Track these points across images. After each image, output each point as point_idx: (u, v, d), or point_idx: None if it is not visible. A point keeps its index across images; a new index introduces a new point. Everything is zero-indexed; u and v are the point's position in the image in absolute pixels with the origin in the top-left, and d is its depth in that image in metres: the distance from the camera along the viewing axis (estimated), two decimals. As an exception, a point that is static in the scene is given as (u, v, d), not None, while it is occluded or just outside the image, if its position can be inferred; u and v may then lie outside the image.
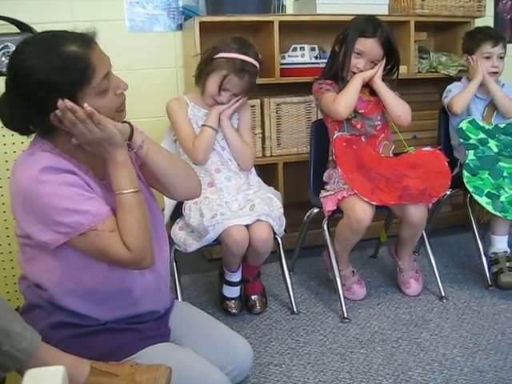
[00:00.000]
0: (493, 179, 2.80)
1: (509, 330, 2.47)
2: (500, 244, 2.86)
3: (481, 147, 2.88)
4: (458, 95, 2.97)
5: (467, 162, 2.84)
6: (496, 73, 3.00)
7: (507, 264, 2.79)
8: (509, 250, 2.85)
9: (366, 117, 2.72)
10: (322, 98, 2.70)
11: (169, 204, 2.57)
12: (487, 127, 2.92)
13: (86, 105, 1.42)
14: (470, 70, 3.05)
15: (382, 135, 2.75)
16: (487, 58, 2.98)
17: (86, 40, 1.48)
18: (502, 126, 2.95)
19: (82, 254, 1.49)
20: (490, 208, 2.73)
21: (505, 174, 2.81)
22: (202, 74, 2.52)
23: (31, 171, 1.44)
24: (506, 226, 2.83)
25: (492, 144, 2.90)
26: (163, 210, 2.53)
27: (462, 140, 2.90)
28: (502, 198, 2.74)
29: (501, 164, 2.85)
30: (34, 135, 1.57)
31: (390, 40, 2.65)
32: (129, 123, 1.57)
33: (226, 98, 2.50)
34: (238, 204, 2.50)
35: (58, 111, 1.41)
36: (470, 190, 2.76)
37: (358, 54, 2.65)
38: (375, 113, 2.74)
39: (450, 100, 2.97)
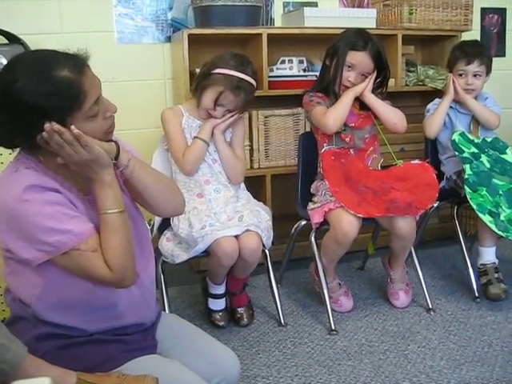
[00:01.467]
0: (491, 196, 2.77)
1: (495, 341, 2.48)
2: (488, 255, 2.85)
3: (475, 161, 2.87)
4: (429, 118, 3.00)
5: (466, 177, 2.80)
6: (472, 90, 2.99)
7: (495, 275, 2.79)
8: (497, 261, 2.85)
9: (355, 130, 2.73)
10: (312, 110, 2.71)
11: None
12: (476, 141, 2.93)
13: (72, 127, 1.40)
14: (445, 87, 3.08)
15: (371, 148, 2.77)
16: (461, 75, 2.99)
17: (79, 64, 1.46)
18: (489, 140, 2.96)
19: (65, 270, 1.48)
20: (493, 227, 2.68)
21: (500, 191, 2.80)
22: (198, 87, 2.53)
23: (15, 189, 1.43)
24: (494, 237, 2.82)
25: (484, 159, 2.89)
26: (151, 220, 2.53)
27: (456, 153, 2.89)
28: (502, 217, 2.72)
29: (495, 181, 2.83)
30: (17, 149, 1.56)
31: (380, 53, 2.67)
32: (115, 142, 1.56)
33: (220, 113, 2.51)
34: (226, 215, 2.50)
35: (44, 133, 1.40)
36: (475, 207, 2.71)
37: (349, 67, 2.67)
38: (365, 126, 2.75)
39: (423, 123, 3.00)
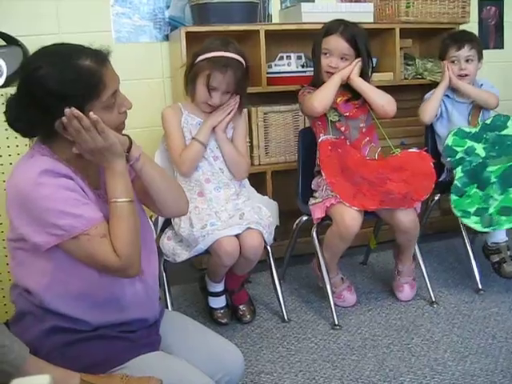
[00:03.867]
0: (481, 191, 2.79)
1: (499, 333, 2.48)
2: (500, 234, 2.87)
3: (467, 158, 2.87)
4: (425, 104, 3.02)
5: (455, 182, 2.83)
6: (466, 75, 3.01)
7: (509, 253, 2.82)
8: (507, 239, 2.87)
9: (350, 120, 2.74)
10: (302, 100, 2.73)
11: None
12: (474, 131, 2.93)
13: (91, 113, 1.45)
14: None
15: (367, 138, 2.77)
16: (453, 61, 3.02)
17: (101, 57, 1.53)
18: (488, 122, 2.95)
19: (72, 257, 1.50)
20: (478, 227, 2.74)
21: (492, 179, 2.81)
22: (188, 81, 2.54)
23: (30, 173, 1.46)
24: None
25: (479, 149, 2.89)
26: (152, 217, 2.53)
27: (449, 158, 2.91)
28: (491, 210, 2.74)
29: (488, 170, 2.84)
30: (34, 139, 1.61)
31: (355, 36, 2.67)
32: (128, 136, 1.61)
33: (217, 98, 2.49)
34: (227, 214, 2.50)
35: (64, 118, 1.44)
36: (458, 214, 2.77)
37: (326, 53, 2.70)
38: (360, 115, 2.76)
39: (419, 110, 3.01)
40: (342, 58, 2.68)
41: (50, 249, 1.48)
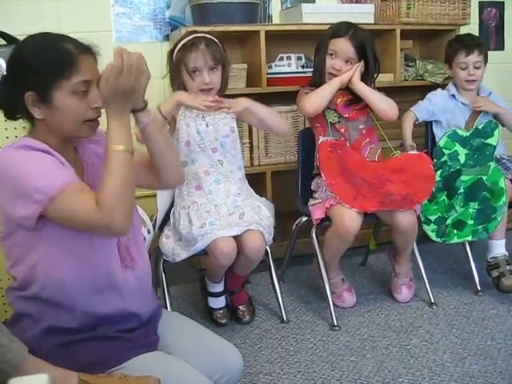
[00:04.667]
0: (448, 199, 2.86)
1: (498, 335, 2.48)
2: (499, 248, 2.86)
3: (449, 163, 2.89)
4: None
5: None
6: (474, 81, 3.02)
7: (507, 267, 2.80)
8: (507, 254, 2.86)
9: (350, 121, 2.74)
10: (299, 100, 2.75)
11: (161, 208, 2.57)
12: (465, 135, 2.93)
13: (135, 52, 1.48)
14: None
15: (367, 140, 2.77)
16: (462, 68, 3.02)
17: (85, 47, 1.57)
18: (481, 127, 2.95)
19: (62, 234, 1.50)
20: (433, 236, 2.89)
21: (461, 189, 2.86)
22: (173, 79, 2.55)
23: (7, 152, 1.51)
24: (503, 230, 2.85)
25: (461, 155, 2.90)
26: (153, 216, 2.52)
27: (435, 160, 2.91)
28: (449, 221, 2.84)
29: (461, 179, 2.87)
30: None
31: (363, 41, 2.67)
32: (145, 101, 1.63)
33: (206, 77, 2.46)
34: (226, 208, 2.49)
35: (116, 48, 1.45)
36: (422, 220, 2.86)
37: (332, 54, 2.69)
38: (359, 117, 2.76)
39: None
40: (346, 62, 2.68)
41: (39, 226, 1.48)
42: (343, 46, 2.66)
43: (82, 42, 1.58)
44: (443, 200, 2.85)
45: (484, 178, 2.86)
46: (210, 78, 2.47)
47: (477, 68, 3.01)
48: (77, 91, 1.53)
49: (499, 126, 2.96)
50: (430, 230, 2.85)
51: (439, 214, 2.84)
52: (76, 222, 1.47)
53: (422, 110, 3.08)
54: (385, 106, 2.69)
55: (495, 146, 2.91)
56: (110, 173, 1.46)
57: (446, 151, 2.91)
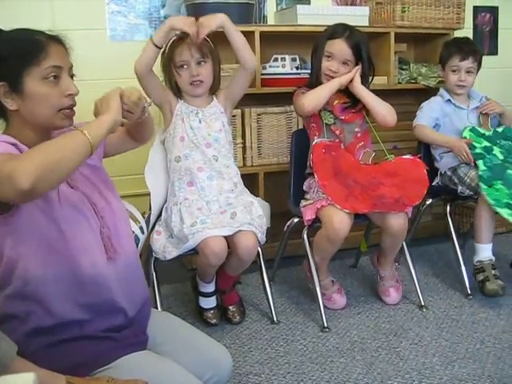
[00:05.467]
0: (507, 189, 2.77)
1: (487, 338, 2.48)
2: (485, 252, 2.84)
3: (487, 156, 2.89)
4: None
5: (480, 173, 2.81)
6: (464, 86, 3.04)
7: (493, 272, 2.79)
8: (493, 258, 2.84)
9: (345, 123, 2.74)
10: (296, 99, 2.75)
11: (155, 207, 2.57)
12: (487, 133, 2.96)
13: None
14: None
15: (361, 143, 2.77)
16: (454, 71, 3.03)
17: (55, 37, 1.58)
18: (500, 130, 2.98)
19: (33, 227, 1.49)
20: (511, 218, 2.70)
21: None
22: (166, 79, 2.57)
23: None
24: (491, 234, 2.84)
25: (496, 151, 2.92)
26: (145, 213, 2.51)
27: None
28: None
29: (509, 171, 2.84)
30: None
31: (359, 43, 2.67)
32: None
33: (194, 69, 2.47)
34: (218, 205, 2.49)
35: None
36: (492, 202, 2.71)
37: (329, 56, 2.69)
38: (355, 120, 2.76)
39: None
40: (343, 63, 2.69)
41: (8, 221, 1.47)
42: (340, 47, 2.67)
43: (52, 33, 1.59)
44: (502, 188, 2.76)
45: None
46: (197, 71, 2.48)
47: (468, 74, 3.02)
48: (47, 77, 1.53)
49: None
50: (506, 214, 2.69)
51: (507, 200, 2.72)
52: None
53: (427, 118, 3.06)
54: (384, 111, 2.69)
55: None
56: (49, 142, 1.44)
57: (477, 144, 2.90)
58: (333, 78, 2.69)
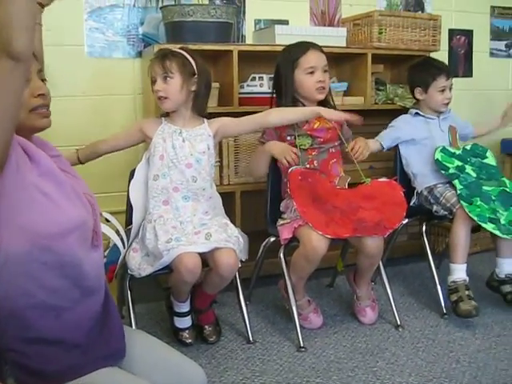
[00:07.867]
0: (486, 204, 2.82)
1: (463, 357, 2.49)
2: (459, 273, 2.84)
3: (461, 175, 2.93)
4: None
5: (459, 192, 2.86)
6: (448, 103, 3.15)
7: (466, 292, 2.78)
8: (467, 279, 2.84)
9: (324, 144, 2.78)
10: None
11: (136, 224, 2.55)
12: (457, 152, 3.01)
13: None
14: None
15: (334, 160, 2.81)
16: (442, 91, 3.08)
17: None
18: (468, 147, 3.04)
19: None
20: (498, 232, 2.75)
21: (492, 197, 2.87)
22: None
23: None
24: (466, 254, 2.84)
25: (469, 169, 2.97)
26: (129, 230, 2.48)
27: (443, 172, 2.95)
28: (502, 221, 2.78)
29: (485, 188, 2.90)
30: None
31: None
32: None
33: (158, 84, 2.48)
34: (192, 226, 2.47)
35: None
36: (475, 218, 2.75)
37: (312, 72, 2.74)
38: (333, 138, 2.80)
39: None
40: (324, 71, 2.73)
41: None
42: (317, 57, 2.75)
43: None
44: (481, 204, 2.81)
45: (507, 189, 2.92)
46: (161, 86, 2.48)
47: (450, 90, 3.13)
48: None
49: (488, 149, 3.09)
50: (491, 228, 2.74)
51: (488, 215, 2.77)
52: None
53: (386, 137, 3.15)
54: None
55: (496, 166, 3.03)
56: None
57: (449, 165, 2.95)
58: (324, 88, 2.74)
